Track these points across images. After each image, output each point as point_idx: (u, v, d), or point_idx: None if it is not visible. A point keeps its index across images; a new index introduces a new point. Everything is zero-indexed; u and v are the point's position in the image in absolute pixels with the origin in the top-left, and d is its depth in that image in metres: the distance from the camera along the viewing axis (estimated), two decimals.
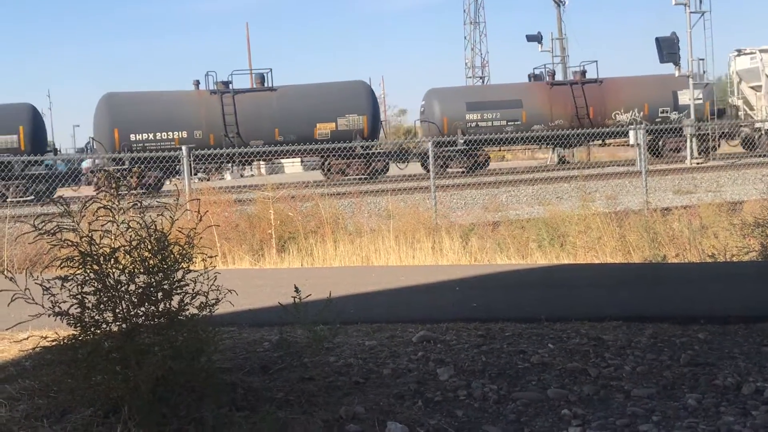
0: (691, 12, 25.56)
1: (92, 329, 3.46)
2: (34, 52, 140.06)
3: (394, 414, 3.50)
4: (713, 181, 19.58)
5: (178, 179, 23.14)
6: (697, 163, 23.57)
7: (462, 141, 23.97)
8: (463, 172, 24.28)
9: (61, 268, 3.49)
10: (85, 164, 25.40)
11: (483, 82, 50.86)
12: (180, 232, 3.73)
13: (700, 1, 25.72)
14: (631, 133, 21.55)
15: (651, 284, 7.04)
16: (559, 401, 3.63)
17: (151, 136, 23.17)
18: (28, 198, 20.51)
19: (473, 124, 25.92)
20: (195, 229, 3.79)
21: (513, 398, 3.69)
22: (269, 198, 11.42)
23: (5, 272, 3.51)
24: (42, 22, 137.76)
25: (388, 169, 23.73)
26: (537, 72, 29.00)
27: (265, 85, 24.62)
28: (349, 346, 4.71)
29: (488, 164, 26.50)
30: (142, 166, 17.70)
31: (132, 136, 23.00)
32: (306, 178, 24.66)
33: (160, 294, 3.56)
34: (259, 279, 7.90)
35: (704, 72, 25.71)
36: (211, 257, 3.98)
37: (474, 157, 24.80)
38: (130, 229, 3.61)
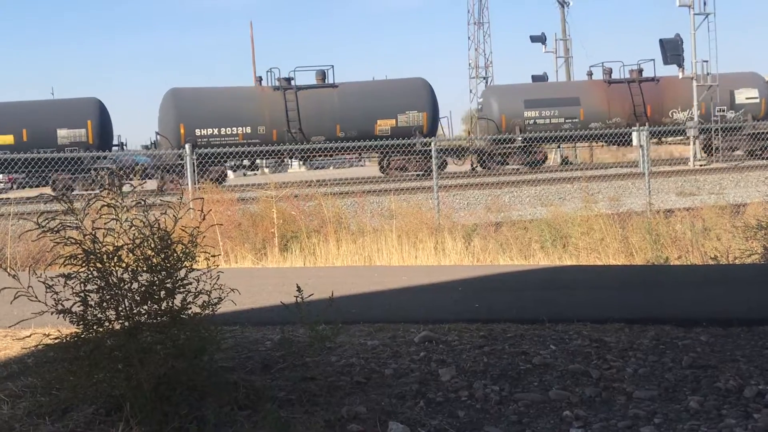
0: (695, 14, 25.55)
1: (95, 327, 3.47)
2: (33, 49, 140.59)
3: (396, 414, 3.50)
4: (716, 183, 19.55)
5: (243, 174, 22.96)
6: (700, 165, 23.54)
7: (520, 138, 23.98)
8: (519, 169, 24.41)
9: (64, 266, 3.49)
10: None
11: (487, 82, 50.79)
12: (183, 230, 3.73)
13: (704, 3, 25.71)
14: (634, 135, 21.49)
15: (653, 286, 7.03)
16: (561, 403, 3.62)
17: (215, 131, 23.31)
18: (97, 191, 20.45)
19: (531, 122, 25.88)
20: (198, 227, 3.79)
21: (515, 399, 3.69)
22: (272, 197, 11.42)
23: (8, 270, 3.51)
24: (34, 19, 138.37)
25: (446, 166, 23.79)
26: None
27: (326, 81, 24.70)
28: (351, 345, 4.71)
29: (545, 162, 26.44)
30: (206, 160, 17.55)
31: (197, 131, 23.12)
32: (309, 178, 24.72)
33: (162, 292, 3.57)
34: (262, 278, 7.90)
35: (708, 73, 25.62)
36: (213, 256, 3.98)
37: (532, 154, 24.86)
38: (133, 228, 3.61)
